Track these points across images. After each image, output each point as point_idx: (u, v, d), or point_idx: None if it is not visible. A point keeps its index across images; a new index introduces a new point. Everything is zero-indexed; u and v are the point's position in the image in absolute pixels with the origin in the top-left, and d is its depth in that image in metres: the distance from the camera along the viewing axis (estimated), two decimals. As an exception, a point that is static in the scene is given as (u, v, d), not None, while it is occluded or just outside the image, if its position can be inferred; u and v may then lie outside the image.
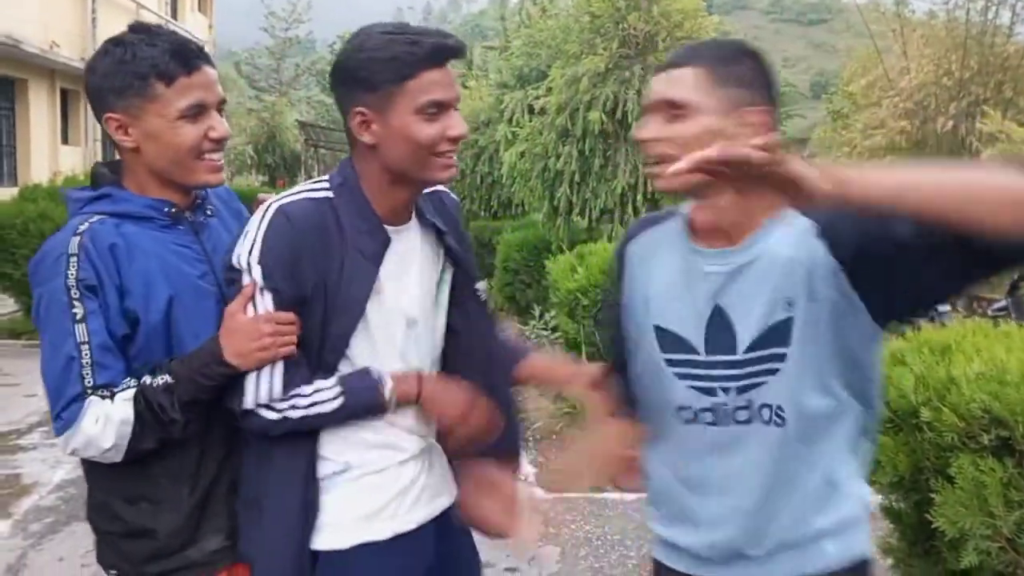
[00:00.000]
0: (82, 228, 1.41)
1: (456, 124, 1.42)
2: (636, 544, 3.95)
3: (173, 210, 1.48)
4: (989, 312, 9.83)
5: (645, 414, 1.49)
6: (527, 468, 5.09)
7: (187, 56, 1.41)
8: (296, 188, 1.50)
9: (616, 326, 1.54)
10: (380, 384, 1.46)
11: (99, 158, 14.47)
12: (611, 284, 1.50)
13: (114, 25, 14.53)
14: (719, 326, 1.35)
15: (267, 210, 1.42)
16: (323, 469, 1.48)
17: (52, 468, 4.76)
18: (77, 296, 1.36)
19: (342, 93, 1.45)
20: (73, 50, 13.46)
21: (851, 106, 20.35)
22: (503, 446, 1.63)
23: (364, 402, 1.45)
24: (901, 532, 2.60)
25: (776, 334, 1.32)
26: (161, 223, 1.46)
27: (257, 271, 1.38)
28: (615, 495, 4.58)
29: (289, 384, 1.42)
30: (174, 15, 18.58)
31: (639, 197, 7.94)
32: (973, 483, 2.08)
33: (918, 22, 19.35)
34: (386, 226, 1.49)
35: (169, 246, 1.46)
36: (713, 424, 1.38)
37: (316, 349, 1.45)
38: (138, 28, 1.46)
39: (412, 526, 1.53)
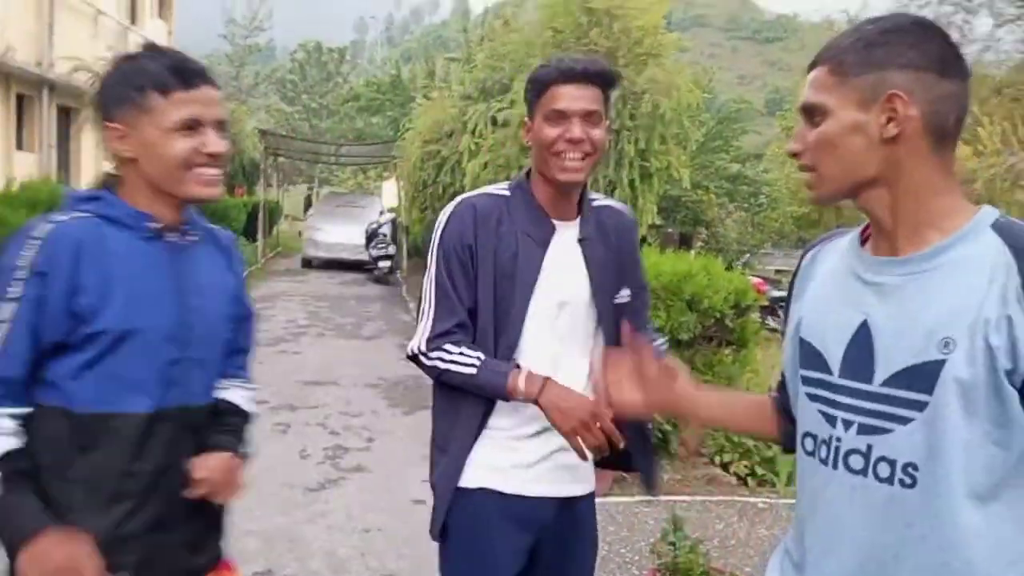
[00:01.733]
0: (59, 218, 1.45)
1: (573, 128, 1.77)
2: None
3: (154, 225, 1.50)
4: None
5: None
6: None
7: (186, 72, 1.45)
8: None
9: (787, 344, 1.37)
10: (511, 374, 1.73)
11: (54, 165, 14.23)
12: (788, 301, 1.40)
13: (71, 31, 14.33)
14: (860, 346, 1.16)
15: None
16: (486, 425, 1.81)
17: None
18: (21, 277, 1.39)
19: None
20: (29, 55, 13.23)
21: (805, 123, 20.85)
22: (629, 463, 1.95)
23: (492, 382, 1.74)
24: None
25: (920, 376, 1.10)
26: (141, 234, 1.49)
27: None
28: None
29: (435, 338, 1.78)
30: (133, 21, 18.34)
31: (599, 209, 8.08)
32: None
33: (869, 42, 19.91)
34: (549, 217, 1.83)
35: (143, 259, 1.48)
36: (824, 463, 1.20)
37: (492, 321, 1.79)
38: (148, 46, 1.52)
39: (531, 494, 1.81)
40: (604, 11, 8.07)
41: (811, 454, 1.23)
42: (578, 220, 1.86)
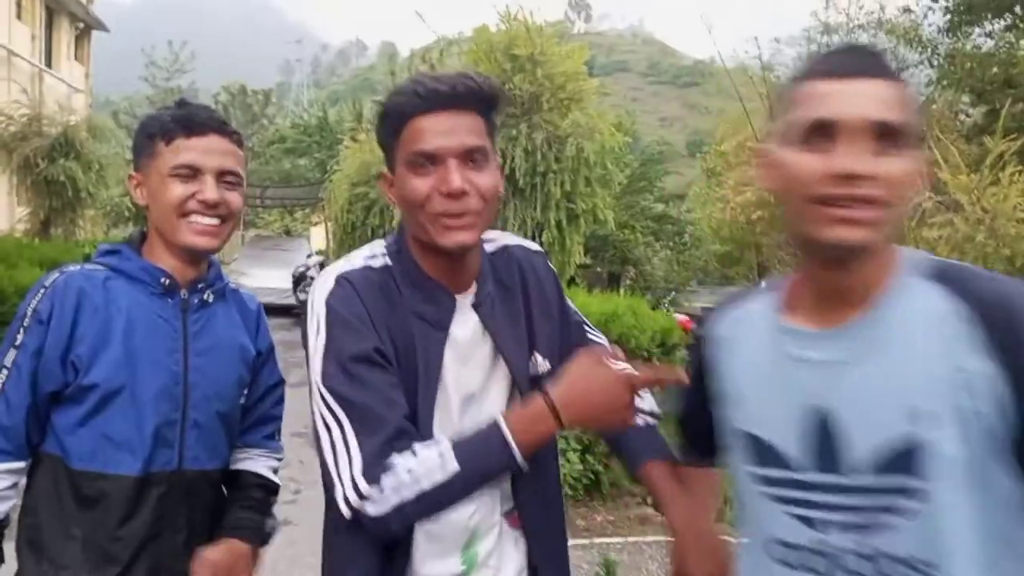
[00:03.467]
0: (70, 268, 1.46)
1: (450, 177, 1.23)
2: None
3: (167, 281, 1.48)
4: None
5: (745, 545, 1.14)
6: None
7: (190, 122, 1.46)
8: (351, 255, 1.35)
9: (700, 421, 1.21)
10: (504, 427, 1.18)
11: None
12: (690, 375, 1.20)
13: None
14: (824, 436, 1.00)
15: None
16: None
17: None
18: (27, 324, 1.40)
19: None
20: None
21: (723, 164, 21.60)
22: None
23: (487, 454, 1.18)
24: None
25: (905, 460, 0.95)
26: (152, 289, 1.47)
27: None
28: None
29: (372, 465, 1.17)
30: (48, 63, 17.87)
31: (528, 250, 8.16)
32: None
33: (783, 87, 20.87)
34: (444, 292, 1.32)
35: (149, 314, 1.45)
36: (813, 572, 1.02)
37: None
38: (180, 102, 1.53)
39: None
40: (527, 58, 8.25)
41: (785, 564, 1.04)
42: (473, 286, 1.36)
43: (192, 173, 1.44)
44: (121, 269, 1.46)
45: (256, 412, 1.65)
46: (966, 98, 16.54)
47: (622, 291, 8.20)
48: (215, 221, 1.47)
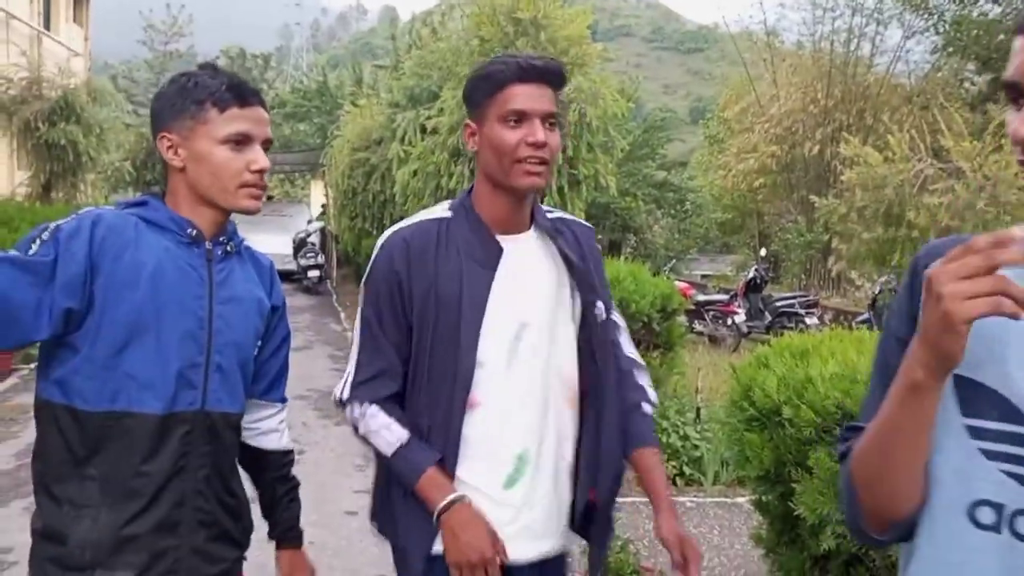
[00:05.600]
0: (101, 209, 1.51)
1: (536, 131, 1.56)
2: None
3: (193, 232, 1.54)
4: (854, 324, 10.61)
5: (918, 507, 1.00)
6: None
7: (243, 92, 1.54)
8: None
9: (891, 374, 1.00)
10: (424, 474, 1.55)
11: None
12: (896, 311, 1.07)
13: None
14: None
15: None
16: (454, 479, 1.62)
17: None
18: (46, 238, 1.41)
19: (467, 114, 1.68)
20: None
21: (726, 131, 21.49)
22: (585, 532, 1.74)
23: (405, 474, 1.58)
24: (770, 523, 2.83)
25: None
26: (179, 239, 1.53)
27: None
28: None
29: (359, 385, 1.63)
30: (47, 26, 17.69)
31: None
32: (829, 473, 2.30)
33: (787, 52, 20.70)
34: (499, 236, 1.63)
35: (177, 261, 1.51)
36: None
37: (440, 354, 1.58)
38: (206, 66, 1.60)
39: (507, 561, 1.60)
40: (530, 21, 8.17)
41: (991, 528, 0.92)
42: (532, 230, 1.67)
43: (244, 141, 1.53)
44: (148, 218, 1.51)
45: (272, 364, 1.71)
46: (971, 65, 16.42)
47: (623, 259, 8.21)
48: (263, 186, 1.57)
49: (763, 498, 2.75)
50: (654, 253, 19.02)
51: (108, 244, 1.43)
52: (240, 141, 1.52)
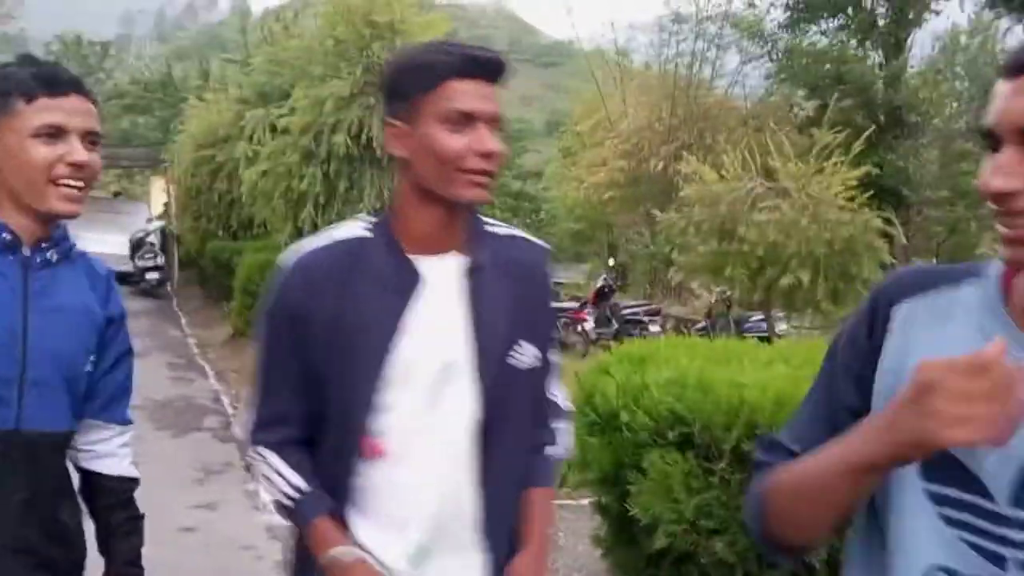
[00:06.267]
0: None
1: (485, 139, 1.32)
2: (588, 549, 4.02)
3: (8, 236, 1.41)
4: (692, 331, 11.22)
5: (864, 559, 1.00)
6: (266, 496, 4.98)
7: (55, 79, 1.40)
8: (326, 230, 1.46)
9: (834, 404, 1.01)
10: (305, 524, 1.38)
11: None
12: (846, 346, 1.02)
13: None
14: None
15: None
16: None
17: None
18: None
19: (385, 109, 1.42)
20: None
21: (579, 144, 22.19)
22: None
23: (298, 523, 1.41)
24: (608, 524, 2.94)
25: None
26: None
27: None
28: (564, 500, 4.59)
29: (257, 430, 1.44)
30: None
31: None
32: (661, 474, 2.43)
33: (636, 71, 21.65)
34: (418, 256, 1.37)
35: None
36: None
37: (343, 404, 1.37)
38: (24, 57, 1.46)
39: None
40: (386, 25, 8.12)
41: None
42: (465, 250, 1.40)
43: (57, 133, 1.40)
44: None
45: (109, 381, 1.58)
46: (801, 92, 17.76)
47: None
48: (80, 184, 1.44)
49: (602, 500, 2.86)
50: (508, 261, 19.33)
51: None
52: (52, 134, 1.39)
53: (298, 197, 8.23)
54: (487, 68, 1.34)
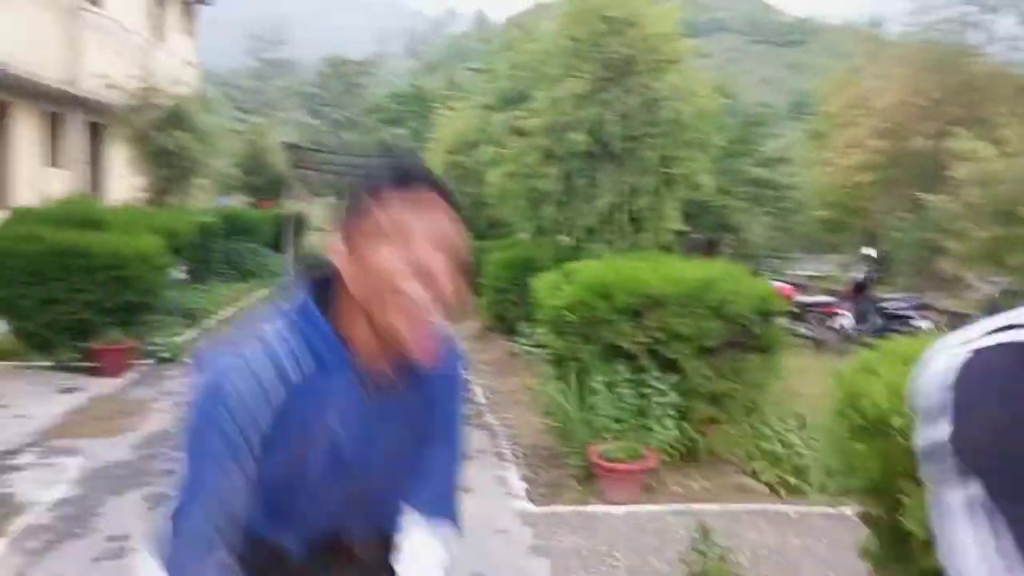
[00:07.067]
0: None
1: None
2: (625, 555, 4.04)
3: None
4: (965, 327, 10.06)
5: None
6: (517, 483, 5.17)
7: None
8: None
9: None
10: None
11: (87, 180, 14.43)
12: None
13: (98, 47, 14.58)
14: None
15: None
16: None
17: (46, 488, 4.79)
18: None
19: None
20: (59, 72, 13.51)
21: (829, 126, 20.75)
22: None
23: None
24: (878, 536, 2.71)
25: None
26: None
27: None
28: (603, 508, 4.67)
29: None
30: (158, 38, 18.64)
31: (623, 217, 8.09)
32: (941, 486, 2.19)
33: (892, 44, 19.84)
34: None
35: None
36: None
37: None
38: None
39: None
40: (621, 19, 8.09)
41: None
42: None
43: None
44: None
45: None
46: None
47: (720, 259, 8.05)
48: None
49: (870, 511, 2.64)
50: (753, 252, 18.52)
51: None
52: None
53: (539, 196, 8.45)
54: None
